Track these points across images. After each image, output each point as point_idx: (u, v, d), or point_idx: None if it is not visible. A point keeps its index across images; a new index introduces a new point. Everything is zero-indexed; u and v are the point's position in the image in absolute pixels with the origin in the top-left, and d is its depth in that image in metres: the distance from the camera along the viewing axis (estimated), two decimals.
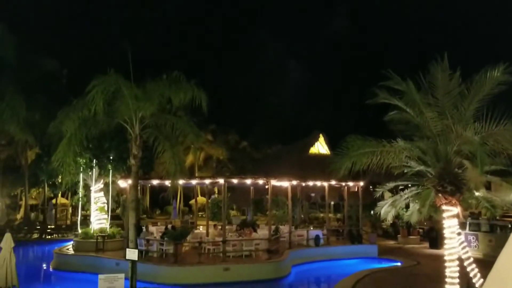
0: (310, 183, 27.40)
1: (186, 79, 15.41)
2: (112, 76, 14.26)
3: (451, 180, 10.35)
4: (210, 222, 28.15)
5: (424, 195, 11.41)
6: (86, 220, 27.93)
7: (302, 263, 22.65)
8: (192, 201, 46.13)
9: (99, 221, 25.00)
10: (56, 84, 37.01)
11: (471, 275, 10.65)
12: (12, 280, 14.52)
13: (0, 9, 38.86)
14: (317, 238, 24.96)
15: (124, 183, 23.84)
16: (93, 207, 25.39)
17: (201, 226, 29.12)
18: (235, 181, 23.29)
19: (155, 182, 25.91)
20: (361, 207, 27.52)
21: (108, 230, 24.46)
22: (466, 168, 10.33)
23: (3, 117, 30.33)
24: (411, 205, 12.70)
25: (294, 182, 25.37)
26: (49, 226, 37.05)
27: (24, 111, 31.40)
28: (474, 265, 10.70)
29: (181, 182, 21.62)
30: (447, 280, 10.45)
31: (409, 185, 12.30)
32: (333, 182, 26.58)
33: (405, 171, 11.92)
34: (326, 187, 27.30)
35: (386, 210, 12.73)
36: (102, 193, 25.71)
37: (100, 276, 12.38)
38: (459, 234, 10.63)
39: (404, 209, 14.14)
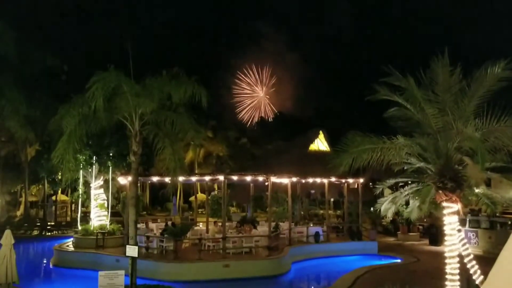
0: (310, 180, 27.40)
1: (188, 76, 15.37)
2: (112, 72, 14.20)
3: (452, 176, 10.32)
4: (210, 219, 28.19)
5: (424, 192, 11.38)
6: (86, 217, 27.95)
7: (302, 260, 22.69)
8: (192, 198, 46.10)
9: (99, 218, 25.01)
10: (56, 80, 37.01)
11: (471, 271, 10.65)
12: (12, 277, 14.52)
13: (0, 5, 38.72)
14: (317, 234, 24.99)
15: (124, 180, 23.85)
16: (93, 203, 25.40)
17: (201, 223, 29.16)
18: (235, 178, 23.30)
19: (155, 179, 25.93)
20: (361, 203, 27.53)
21: (108, 226, 24.49)
22: (467, 165, 10.29)
23: (3, 113, 30.31)
24: (411, 202, 12.67)
25: (294, 179, 25.38)
26: (49, 223, 37.08)
27: (25, 108, 31.41)
28: (474, 262, 10.69)
29: (181, 179, 21.60)
30: (447, 276, 10.43)
31: (409, 182, 12.26)
32: (333, 179, 26.60)
33: (405, 167, 11.89)
34: (326, 184, 27.31)
35: (386, 207, 12.71)
36: (102, 190, 25.72)
37: (100, 273, 12.37)
38: (459, 231, 10.62)
39: (404, 206, 14.12)
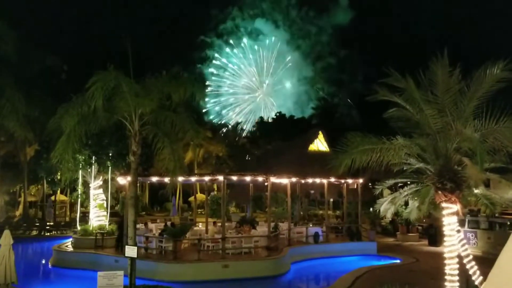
0: (310, 180, 27.39)
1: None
2: (112, 72, 14.18)
3: (451, 177, 10.33)
4: (209, 219, 28.16)
5: (424, 192, 11.38)
6: (85, 217, 27.94)
7: (301, 260, 22.68)
8: (192, 198, 46.10)
9: (98, 218, 24.99)
10: (55, 80, 36.98)
11: (471, 272, 10.64)
12: (11, 277, 14.51)
13: (0, 5, 38.71)
14: (316, 235, 24.98)
15: (123, 180, 23.82)
16: (92, 204, 25.38)
17: (200, 223, 29.14)
18: (234, 178, 23.29)
19: (154, 179, 25.90)
20: (360, 204, 27.53)
21: (107, 227, 24.46)
22: (466, 166, 10.30)
23: (2, 113, 30.27)
24: (410, 202, 12.68)
25: (294, 179, 25.37)
26: (48, 223, 36.99)
27: (24, 107, 31.34)
28: (473, 263, 10.69)
29: (180, 179, 21.59)
30: (446, 277, 10.44)
31: (409, 182, 12.26)
32: (332, 179, 26.58)
33: (405, 168, 11.89)
34: (326, 184, 27.29)
35: (385, 207, 12.71)
36: (101, 190, 25.71)
37: (99, 273, 12.35)
38: (458, 231, 10.62)
39: (403, 206, 14.16)
